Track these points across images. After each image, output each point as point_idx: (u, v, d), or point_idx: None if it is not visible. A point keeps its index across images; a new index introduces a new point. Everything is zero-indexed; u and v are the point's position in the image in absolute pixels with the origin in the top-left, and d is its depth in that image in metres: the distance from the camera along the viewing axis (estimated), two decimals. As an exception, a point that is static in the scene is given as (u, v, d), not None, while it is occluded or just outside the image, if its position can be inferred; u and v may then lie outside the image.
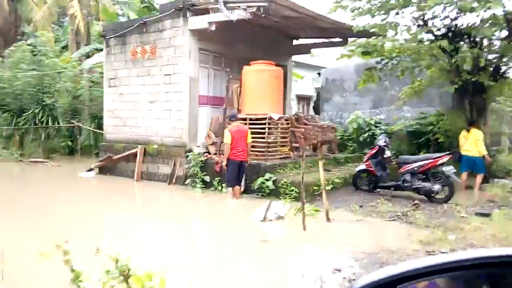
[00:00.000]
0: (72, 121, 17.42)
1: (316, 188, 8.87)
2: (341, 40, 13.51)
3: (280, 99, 10.73)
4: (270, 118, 9.91)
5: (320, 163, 7.21)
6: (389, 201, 8.69)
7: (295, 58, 19.46)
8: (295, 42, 15.02)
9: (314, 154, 11.77)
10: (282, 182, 9.17)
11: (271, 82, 10.30)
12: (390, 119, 13.83)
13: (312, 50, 18.19)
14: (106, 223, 8.16)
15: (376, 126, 13.60)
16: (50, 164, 15.03)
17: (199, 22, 10.66)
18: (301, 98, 23.45)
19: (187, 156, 10.65)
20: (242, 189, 9.52)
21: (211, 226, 7.73)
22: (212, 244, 6.67)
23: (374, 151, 9.55)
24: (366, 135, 13.52)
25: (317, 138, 11.33)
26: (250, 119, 10.18)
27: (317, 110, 19.57)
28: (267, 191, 9.25)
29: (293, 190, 8.97)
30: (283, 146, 10.56)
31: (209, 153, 10.73)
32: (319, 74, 18.41)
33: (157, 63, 11.68)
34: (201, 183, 10.23)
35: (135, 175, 11.56)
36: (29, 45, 17.77)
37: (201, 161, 10.38)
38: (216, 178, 10.04)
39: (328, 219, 7.22)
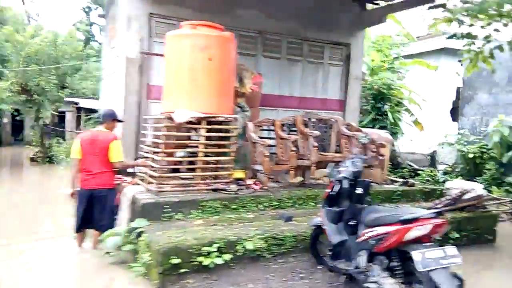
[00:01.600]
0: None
1: (189, 259, 4.25)
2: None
3: (222, 90, 5.86)
4: (170, 119, 5.48)
5: None
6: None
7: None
8: (370, 6, 9.55)
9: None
10: (140, 239, 4.76)
11: (194, 58, 5.67)
12: None
13: (401, 18, 12.43)
14: None
15: (535, 141, 8.15)
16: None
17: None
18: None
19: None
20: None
21: None
22: None
23: (328, 191, 4.28)
24: (513, 153, 8.00)
25: (311, 157, 6.21)
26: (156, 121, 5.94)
27: (455, 114, 13.54)
28: (119, 253, 5.02)
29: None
30: (218, 168, 5.86)
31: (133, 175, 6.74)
32: (460, 61, 12.18)
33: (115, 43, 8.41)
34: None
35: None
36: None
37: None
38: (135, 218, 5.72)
39: None
